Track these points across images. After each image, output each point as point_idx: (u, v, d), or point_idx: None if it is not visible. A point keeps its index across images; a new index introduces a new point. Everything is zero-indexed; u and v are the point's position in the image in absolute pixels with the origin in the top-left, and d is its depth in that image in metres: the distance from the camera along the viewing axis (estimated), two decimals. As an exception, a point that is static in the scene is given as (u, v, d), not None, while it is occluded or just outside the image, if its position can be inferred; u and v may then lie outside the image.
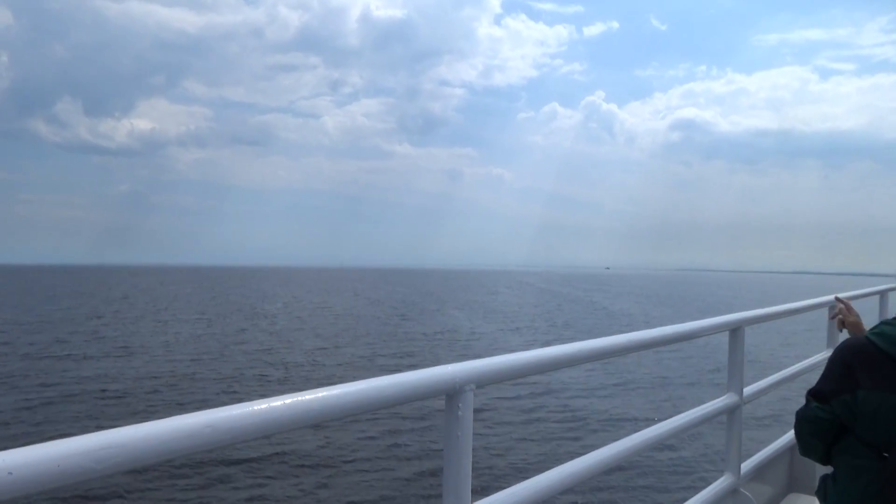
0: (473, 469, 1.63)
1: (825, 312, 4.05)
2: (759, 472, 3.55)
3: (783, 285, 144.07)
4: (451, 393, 1.58)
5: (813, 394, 2.21)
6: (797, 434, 2.30)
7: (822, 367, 2.53)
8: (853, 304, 3.35)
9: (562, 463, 1.98)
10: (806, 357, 4.19)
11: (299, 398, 1.27)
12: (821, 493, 2.26)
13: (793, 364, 4.03)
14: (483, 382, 1.65)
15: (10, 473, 0.91)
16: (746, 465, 3.34)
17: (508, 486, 1.76)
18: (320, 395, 1.30)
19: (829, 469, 2.25)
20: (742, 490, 3.16)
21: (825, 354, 4.08)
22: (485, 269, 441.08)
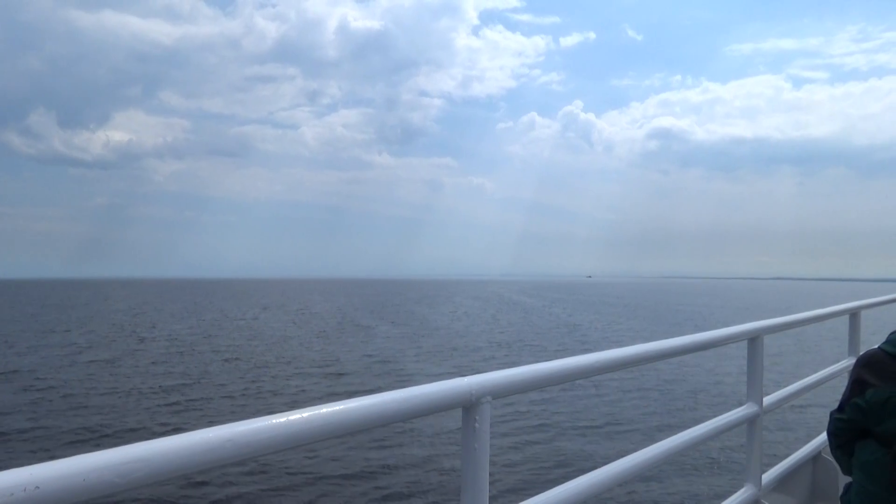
0: (491, 481, 1.63)
1: (846, 320, 4.27)
2: (781, 482, 3.47)
3: (762, 292, 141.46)
4: (467, 405, 1.59)
5: (835, 410, 2.38)
6: (832, 454, 2.48)
7: (843, 376, 3.00)
8: (875, 311, 4.31)
9: (580, 474, 1.96)
10: (827, 366, 4.10)
11: (318, 411, 1.29)
12: (844, 500, 2.37)
13: (813, 373, 3.92)
14: (500, 394, 1.66)
15: (38, 487, 0.93)
16: (768, 476, 3.27)
17: (526, 498, 1.75)
18: (338, 408, 1.33)
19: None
20: (763, 501, 3.08)
21: (846, 363, 4.08)
22: (465, 279, 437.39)
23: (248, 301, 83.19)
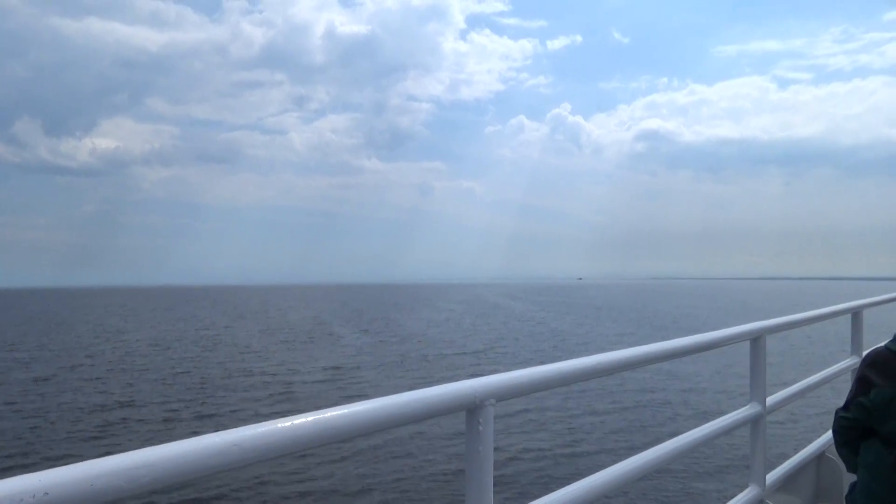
0: (495, 483, 1.62)
1: (848, 319, 4.22)
2: (785, 482, 3.45)
3: (752, 292, 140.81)
4: (471, 408, 1.59)
5: (840, 408, 2.36)
6: (837, 452, 2.46)
7: (847, 375, 3.33)
8: (878, 309, 4.24)
9: (584, 476, 1.96)
10: (830, 365, 4.04)
11: (323, 415, 1.30)
12: (850, 499, 2.35)
13: (816, 372, 3.86)
14: (503, 396, 1.65)
15: (47, 493, 0.94)
16: (772, 476, 3.25)
17: (531, 500, 1.75)
18: (343, 411, 1.34)
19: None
20: (767, 501, 3.08)
21: (849, 362, 4.07)
22: (455, 283, 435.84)
23: (228, 309, 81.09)
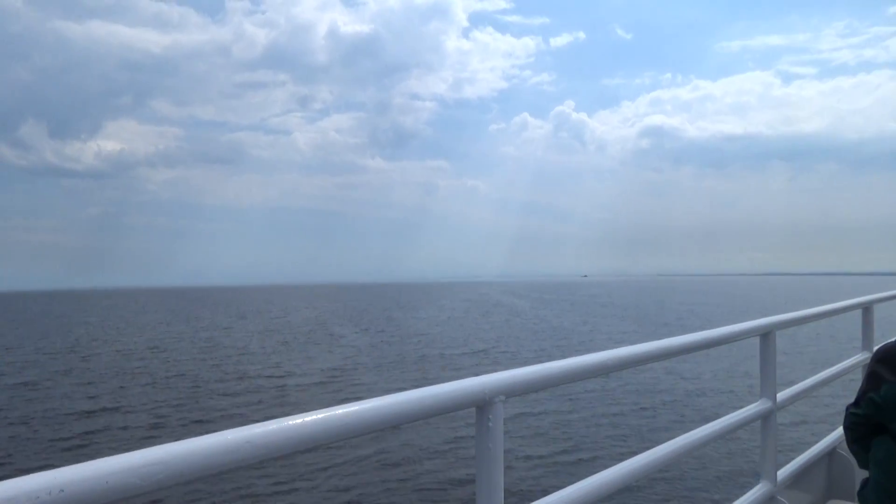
0: (505, 479, 1.62)
1: (859, 314, 4.18)
2: (797, 478, 3.43)
3: (759, 288, 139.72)
4: (480, 404, 1.59)
5: (851, 404, 2.33)
6: (848, 448, 2.41)
7: (857, 371, 3.27)
8: (888, 304, 4.10)
9: (594, 473, 1.96)
10: (840, 361, 4.01)
11: (334, 412, 1.31)
12: (861, 495, 2.31)
13: (827, 367, 3.84)
14: (512, 393, 1.66)
15: (62, 490, 0.96)
16: (783, 472, 3.23)
17: (541, 497, 1.75)
18: (353, 409, 1.35)
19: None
20: (779, 497, 3.03)
21: (860, 357, 4.05)
22: (460, 281, 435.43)
23: (230, 309, 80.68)
